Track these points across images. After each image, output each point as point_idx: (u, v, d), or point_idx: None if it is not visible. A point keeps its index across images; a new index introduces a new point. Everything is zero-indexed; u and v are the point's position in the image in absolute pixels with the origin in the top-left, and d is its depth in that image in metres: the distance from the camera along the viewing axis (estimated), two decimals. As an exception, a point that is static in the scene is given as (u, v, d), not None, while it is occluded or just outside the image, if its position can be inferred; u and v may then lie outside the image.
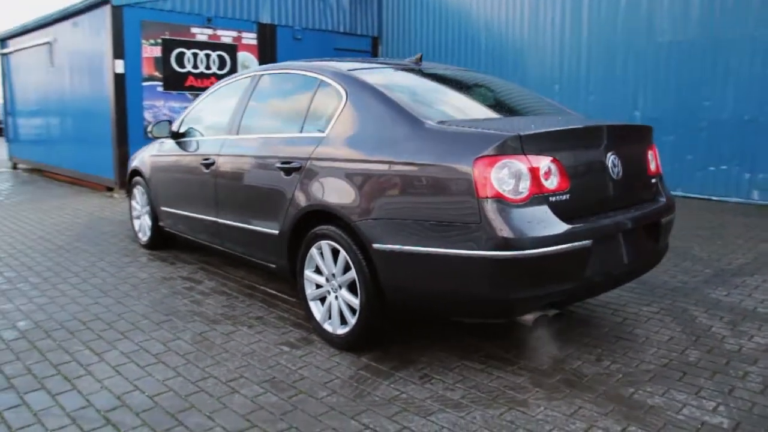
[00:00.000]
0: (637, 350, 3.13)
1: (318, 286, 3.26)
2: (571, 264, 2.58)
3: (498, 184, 2.47)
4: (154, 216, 5.08)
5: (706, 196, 8.12)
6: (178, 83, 9.14)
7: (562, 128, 2.85)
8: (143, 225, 5.35)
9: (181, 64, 9.16)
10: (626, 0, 8.59)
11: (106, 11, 8.40)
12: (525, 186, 2.50)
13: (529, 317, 2.62)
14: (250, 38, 10.09)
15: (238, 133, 3.95)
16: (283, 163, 3.38)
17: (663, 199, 3.26)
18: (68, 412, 2.54)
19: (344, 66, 3.46)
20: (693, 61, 8.08)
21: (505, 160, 2.49)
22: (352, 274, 2.96)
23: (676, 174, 8.30)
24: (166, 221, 4.90)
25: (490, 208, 2.45)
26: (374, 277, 2.86)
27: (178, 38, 9.11)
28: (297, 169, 3.29)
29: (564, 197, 2.61)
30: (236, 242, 3.98)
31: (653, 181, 3.26)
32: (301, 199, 3.24)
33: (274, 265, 3.63)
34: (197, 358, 3.05)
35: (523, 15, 9.83)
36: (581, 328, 3.44)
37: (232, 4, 9.73)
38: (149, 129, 4.65)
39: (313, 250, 3.22)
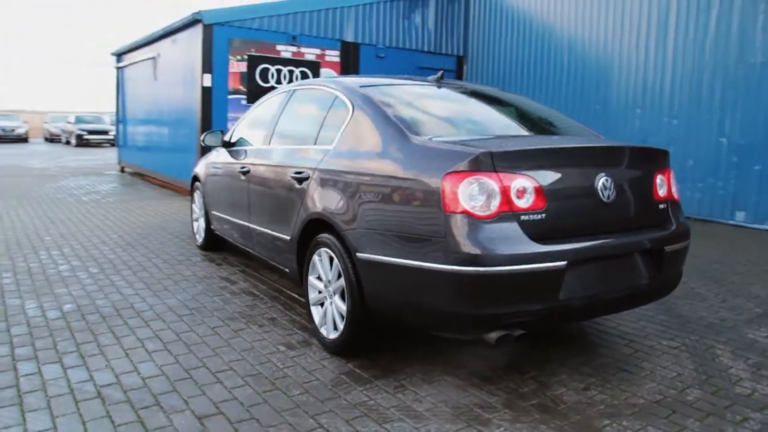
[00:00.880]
0: (634, 383, 2.99)
1: (320, 292, 3.39)
2: (540, 285, 2.54)
3: (465, 199, 2.49)
4: (207, 219, 5.45)
5: (795, 232, 7.46)
6: (261, 97, 9.68)
7: (541, 147, 2.82)
8: (199, 227, 5.75)
9: (265, 79, 9.71)
10: (716, 19, 8.12)
11: (198, 29, 9.11)
12: (494, 203, 2.50)
13: (492, 335, 2.60)
14: (333, 55, 10.51)
15: (269, 144, 4.20)
16: (296, 173, 3.57)
17: (672, 226, 3.09)
18: (71, 383, 2.83)
19: (359, 81, 3.61)
20: (787, 85, 7.49)
21: (475, 177, 2.51)
22: (342, 281, 3.08)
23: (763, 205, 7.70)
24: (215, 224, 5.25)
25: (456, 223, 2.48)
26: (359, 285, 2.96)
27: (263, 55, 9.67)
28: (306, 179, 3.46)
29: (538, 217, 2.58)
30: (261, 246, 4.21)
31: (661, 206, 3.11)
32: (307, 208, 3.41)
33: (287, 270, 3.81)
34: (199, 350, 3.28)
35: (606, 35, 9.53)
36: (584, 356, 3.33)
37: (317, 23, 10.19)
38: (202, 138, 5.02)
39: (315, 257, 3.37)
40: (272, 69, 9.81)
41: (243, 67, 9.54)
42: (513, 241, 2.49)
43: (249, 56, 9.55)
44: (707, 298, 4.55)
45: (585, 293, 2.68)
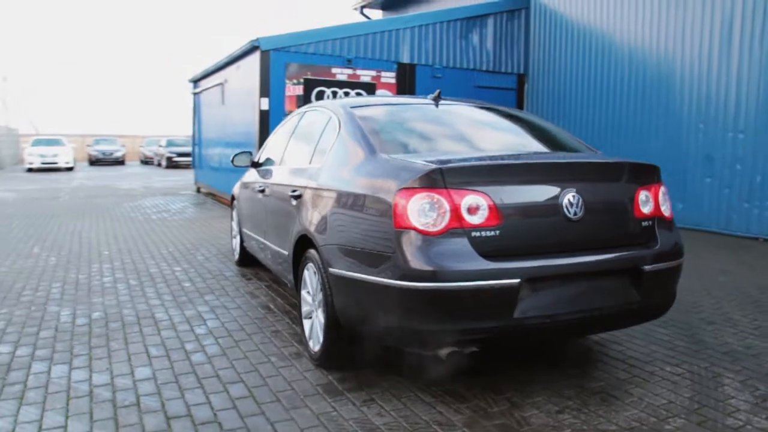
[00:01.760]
0: (613, 409, 2.88)
1: (309, 306, 3.51)
2: (492, 302, 2.52)
3: (414, 215, 2.53)
4: (241, 236, 5.73)
5: None
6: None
7: (496, 163, 2.80)
8: (236, 244, 6.05)
9: (321, 102, 10.05)
10: (784, 28, 7.62)
11: (257, 56, 9.60)
12: (443, 219, 2.52)
13: (443, 350, 2.60)
14: (389, 77, 10.72)
15: (280, 164, 4.40)
16: (292, 191, 3.73)
17: (656, 245, 2.96)
18: (71, 382, 3.09)
19: (353, 102, 3.73)
20: None
21: (424, 193, 2.54)
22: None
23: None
24: (246, 241, 5.50)
25: (403, 239, 2.53)
26: (332, 299, 3.05)
27: (318, 78, 10.03)
28: (299, 197, 3.60)
29: (492, 233, 2.57)
30: (271, 261, 4.40)
31: (645, 224, 2.98)
32: (298, 225, 3.55)
33: (289, 284, 3.97)
34: (196, 357, 3.47)
35: (667, 49, 9.15)
36: (573, 378, 3.23)
37: (372, 46, 10.45)
38: (231, 158, 5.30)
39: (305, 272, 3.49)
40: (328, 91, 10.14)
41: (299, 90, 9.93)
42: (461, 257, 2.50)
43: (305, 80, 9.93)
44: (739, 324, 4.26)
45: (544, 313, 2.62)
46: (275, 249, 4.18)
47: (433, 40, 10.95)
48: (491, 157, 3.03)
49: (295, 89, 9.92)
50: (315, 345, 3.35)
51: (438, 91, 4.01)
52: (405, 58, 10.78)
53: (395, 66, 10.71)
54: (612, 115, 10.16)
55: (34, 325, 4.01)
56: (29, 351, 3.55)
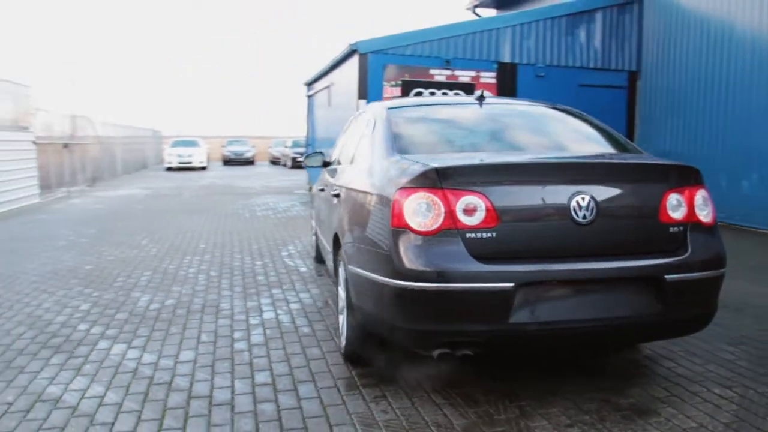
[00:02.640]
0: (630, 428, 2.69)
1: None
2: (485, 306, 2.46)
3: (409, 215, 2.54)
4: (316, 233, 5.98)
5: None
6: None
7: (495, 163, 2.70)
8: (314, 241, 6.31)
9: (418, 103, 10.14)
10: None
11: (355, 59, 9.90)
12: (437, 219, 2.51)
13: (435, 351, 2.58)
14: (488, 77, 10.58)
15: (337, 164, 4.55)
16: (334, 190, 3.86)
17: (685, 253, 2.72)
18: (123, 359, 3.45)
19: (392, 104, 3.78)
20: None
21: (420, 193, 2.55)
22: None
23: None
24: (318, 239, 5.74)
25: (398, 238, 2.55)
26: (350, 296, 3.13)
27: (416, 79, 10.13)
28: (338, 196, 3.73)
29: (489, 235, 2.51)
30: (325, 259, 4.57)
31: (673, 230, 2.74)
32: (334, 223, 3.67)
33: (333, 282, 4.11)
34: (239, 345, 3.71)
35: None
36: (601, 392, 3.04)
37: (471, 46, 10.36)
38: (303, 159, 5.54)
39: (340, 269, 3.61)
40: (426, 93, 10.20)
41: (397, 92, 10.09)
42: (453, 258, 2.47)
43: (403, 81, 10.07)
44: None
45: (544, 319, 2.52)
46: (326, 247, 4.34)
47: (535, 38, 10.63)
48: (497, 158, 2.94)
49: (393, 91, 10.10)
50: (343, 340, 3.45)
51: (482, 91, 3.94)
52: (506, 58, 10.57)
53: (495, 66, 10.54)
54: (735, 112, 9.27)
55: (113, 308, 4.49)
56: (101, 330, 3.99)
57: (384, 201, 2.74)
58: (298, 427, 2.68)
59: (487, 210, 2.53)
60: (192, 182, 18.51)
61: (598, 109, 10.95)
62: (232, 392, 3.03)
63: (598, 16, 10.90)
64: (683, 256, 2.71)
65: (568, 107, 4.12)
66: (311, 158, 5.52)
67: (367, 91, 9.87)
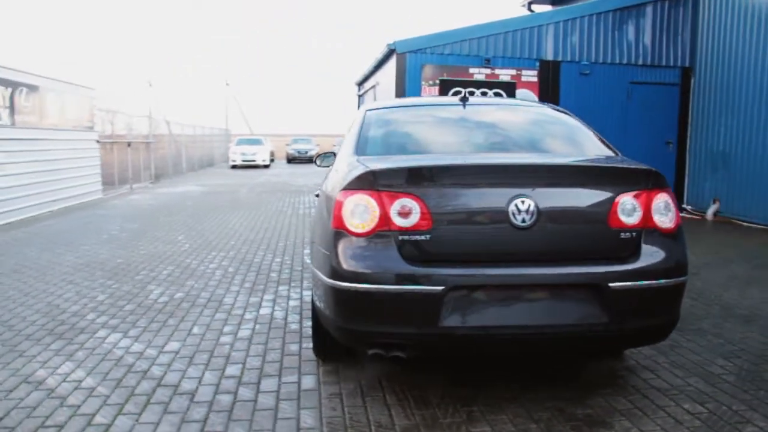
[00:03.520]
0: (576, 436, 2.65)
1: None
2: (414, 309, 2.49)
3: (346, 216, 2.61)
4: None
5: None
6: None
7: (431, 165, 2.70)
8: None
9: (456, 102, 10.09)
10: None
11: (394, 59, 9.97)
12: (372, 221, 2.56)
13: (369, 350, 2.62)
14: (530, 75, 10.40)
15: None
16: (316, 192, 3.96)
17: (636, 260, 2.62)
18: (115, 347, 3.68)
19: (377, 104, 3.84)
20: None
21: (357, 195, 2.60)
22: None
23: None
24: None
25: (336, 239, 2.62)
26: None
27: (455, 78, 10.08)
28: (318, 197, 3.83)
29: (422, 238, 2.53)
30: None
31: (624, 236, 2.65)
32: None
33: None
34: (223, 340, 3.88)
35: None
36: (560, 401, 3.00)
37: (512, 44, 10.21)
38: (314, 159, 5.67)
39: (315, 268, 3.71)
40: (464, 92, 10.11)
41: (435, 91, 10.09)
42: (384, 260, 2.51)
43: (441, 80, 10.04)
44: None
45: (475, 324, 2.51)
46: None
47: (579, 35, 10.35)
48: (442, 160, 2.94)
49: (431, 90, 10.11)
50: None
51: (467, 90, 3.94)
52: (548, 56, 10.36)
53: (537, 64, 10.35)
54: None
55: (125, 300, 4.78)
56: (105, 320, 4.26)
57: (330, 202, 2.81)
58: (246, 419, 2.79)
59: (422, 213, 2.55)
60: (250, 180, 19.12)
61: (649, 107, 10.59)
62: (199, 383, 3.19)
63: (649, 10, 10.48)
64: (632, 264, 2.62)
65: (558, 109, 4.05)
66: (324, 159, 5.64)
67: (405, 91, 9.93)
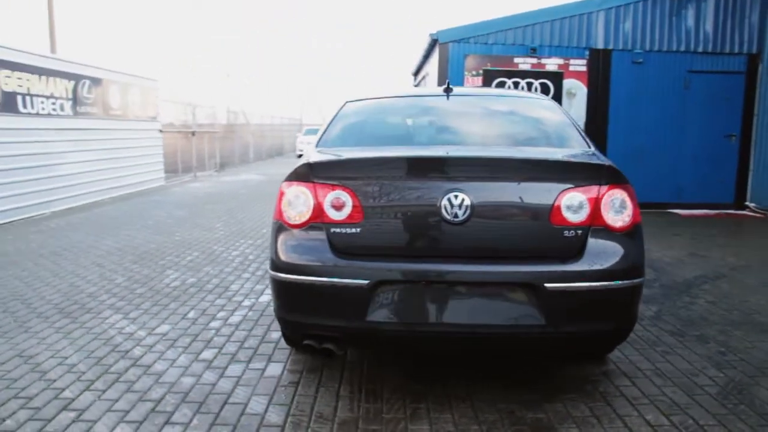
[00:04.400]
0: (513, 440, 2.59)
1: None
2: (341, 301, 2.51)
3: (285, 208, 2.66)
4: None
5: None
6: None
7: (362, 157, 2.68)
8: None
9: (500, 93, 9.89)
10: None
11: (437, 49, 9.87)
12: (306, 213, 2.60)
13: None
14: (578, 65, 10.02)
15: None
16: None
17: (577, 260, 2.51)
18: (112, 327, 3.92)
19: (354, 96, 3.85)
20: None
21: (295, 186, 2.65)
22: None
23: None
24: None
25: (277, 231, 2.69)
26: None
27: (499, 68, 9.87)
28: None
29: (352, 231, 2.54)
30: None
31: (568, 234, 2.53)
32: None
33: None
34: (212, 324, 4.04)
35: None
36: (515, 404, 2.94)
37: (560, 32, 9.86)
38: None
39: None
40: (509, 82, 9.92)
41: (478, 82, 9.92)
42: (315, 253, 2.55)
43: (484, 71, 9.88)
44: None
45: (402, 320, 2.50)
46: None
47: (633, 21, 9.84)
48: (374, 152, 2.92)
49: (474, 81, 9.95)
50: (288, 329, 3.63)
51: (447, 81, 3.90)
52: (599, 44, 9.92)
53: (586, 52, 9.94)
54: None
55: (140, 283, 5.05)
56: (114, 301, 4.53)
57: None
58: (198, 401, 2.92)
59: (354, 206, 2.57)
60: (309, 169, 19.48)
61: (709, 97, 9.96)
62: (171, 365, 3.35)
63: (711, -7, 9.82)
64: (573, 264, 2.51)
65: (547, 100, 3.92)
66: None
67: (447, 80, 9.80)
